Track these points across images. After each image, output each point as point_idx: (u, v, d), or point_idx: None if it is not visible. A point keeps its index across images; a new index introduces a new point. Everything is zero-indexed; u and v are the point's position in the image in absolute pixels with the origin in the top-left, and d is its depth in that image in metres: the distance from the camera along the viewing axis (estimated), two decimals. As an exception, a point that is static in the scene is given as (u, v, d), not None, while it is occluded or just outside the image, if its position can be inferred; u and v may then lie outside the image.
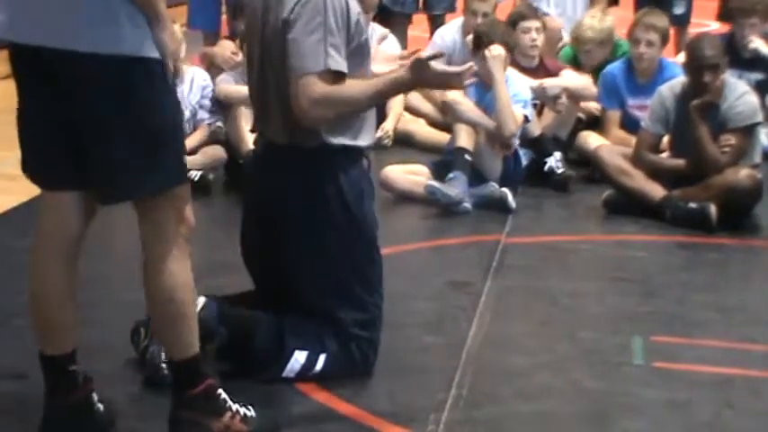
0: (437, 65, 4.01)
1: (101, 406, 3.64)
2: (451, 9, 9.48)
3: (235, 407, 3.61)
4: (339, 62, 3.92)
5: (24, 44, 3.34)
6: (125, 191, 3.41)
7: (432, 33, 8.93)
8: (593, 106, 7.56)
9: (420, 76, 3.98)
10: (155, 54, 3.32)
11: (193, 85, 7.05)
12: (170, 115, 3.43)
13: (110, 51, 3.26)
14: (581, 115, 7.58)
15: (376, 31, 7.54)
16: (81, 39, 3.26)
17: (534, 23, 7.46)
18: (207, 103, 7.09)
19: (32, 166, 3.51)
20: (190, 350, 3.51)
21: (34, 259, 3.52)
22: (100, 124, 3.33)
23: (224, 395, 3.60)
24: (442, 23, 9.11)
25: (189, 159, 6.94)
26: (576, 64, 7.77)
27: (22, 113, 3.48)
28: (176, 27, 6.88)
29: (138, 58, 3.29)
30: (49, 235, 3.49)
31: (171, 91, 3.42)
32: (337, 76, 3.93)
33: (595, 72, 7.56)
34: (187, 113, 6.93)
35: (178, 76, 3.43)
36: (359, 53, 4.05)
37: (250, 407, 3.66)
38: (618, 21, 8.01)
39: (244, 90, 6.69)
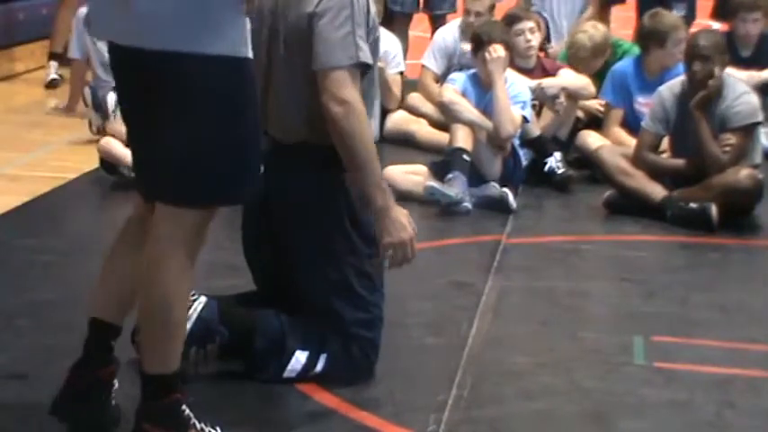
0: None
1: (113, 400, 3.64)
2: (453, 9, 9.48)
3: (200, 425, 3.51)
4: (368, 55, 3.93)
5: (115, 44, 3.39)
6: (172, 195, 3.35)
7: (433, 33, 8.94)
8: (594, 106, 7.57)
9: (394, 218, 3.92)
10: (228, 52, 3.28)
11: None
12: (235, 122, 3.32)
13: (174, 49, 3.24)
14: (580, 115, 7.59)
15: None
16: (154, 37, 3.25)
17: (527, 24, 7.44)
18: None
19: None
20: (170, 367, 3.43)
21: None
22: (159, 121, 3.30)
23: (188, 411, 3.49)
24: (443, 23, 9.11)
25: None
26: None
27: None
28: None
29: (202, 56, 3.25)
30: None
31: (240, 101, 3.33)
32: (365, 69, 3.94)
33: (595, 76, 7.57)
34: None
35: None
36: (372, 51, 4.05)
37: (218, 428, 3.57)
38: (621, 21, 8.01)
39: None
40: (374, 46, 4.06)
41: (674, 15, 7.48)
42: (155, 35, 3.24)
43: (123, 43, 3.35)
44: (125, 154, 6.48)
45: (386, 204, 3.94)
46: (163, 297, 3.35)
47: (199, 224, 3.38)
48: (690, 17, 9.21)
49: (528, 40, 7.40)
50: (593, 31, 7.75)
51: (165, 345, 3.42)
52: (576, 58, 7.70)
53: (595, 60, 7.69)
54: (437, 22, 9.33)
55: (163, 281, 3.34)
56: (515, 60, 7.31)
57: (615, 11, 9.51)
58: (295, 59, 4.01)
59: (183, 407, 3.50)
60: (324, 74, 3.90)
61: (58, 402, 3.59)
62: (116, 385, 3.64)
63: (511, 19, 7.50)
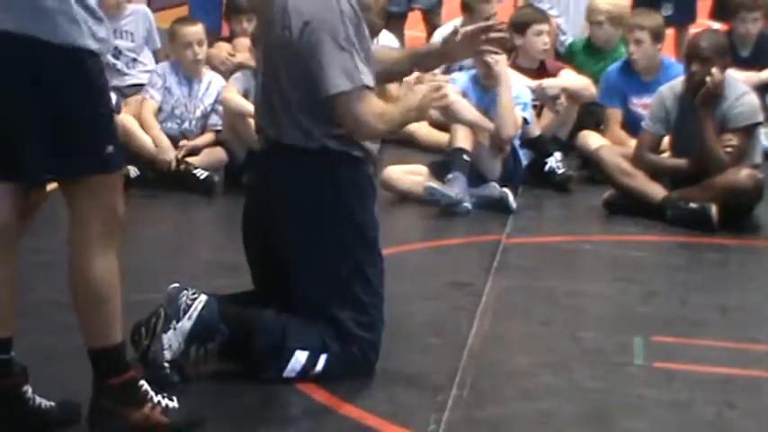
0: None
1: (43, 401, 3.62)
2: (438, 3, 9.48)
3: (157, 398, 3.60)
4: (369, 77, 4.01)
5: None
6: (31, 174, 3.44)
7: (428, 32, 8.94)
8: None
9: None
10: (82, 44, 3.32)
11: (210, 89, 7.17)
12: (88, 103, 3.40)
13: (27, 33, 3.27)
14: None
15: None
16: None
17: (545, 27, 7.45)
18: (220, 108, 7.15)
19: None
20: (109, 339, 3.51)
21: None
22: (12, 107, 3.35)
23: (146, 386, 3.59)
24: (437, 22, 9.12)
25: (190, 159, 7.05)
26: (580, 61, 7.80)
27: None
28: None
29: (57, 45, 3.29)
30: None
31: (93, 81, 3.39)
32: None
33: (605, 59, 7.60)
34: (198, 113, 7.07)
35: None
36: (368, 64, 4.08)
37: (174, 398, 3.64)
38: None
39: (241, 103, 6.80)
40: (366, 55, 4.06)
41: (655, 14, 7.49)
42: None
43: None
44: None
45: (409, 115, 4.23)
46: (81, 279, 3.47)
47: (95, 200, 3.44)
48: (688, 18, 9.22)
49: (545, 42, 7.41)
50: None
51: (96, 319, 3.50)
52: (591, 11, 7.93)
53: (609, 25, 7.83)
54: (432, 20, 9.33)
55: (77, 264, 3.48)
56: (520, 61, 7.32)
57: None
58: (278, 68, 4.05)
59: (141, 383, 3.58)
60: (331, 101, 3.99)
61: None
62: (28, 390, 3.62)
63: (529, 20, 7.45)
